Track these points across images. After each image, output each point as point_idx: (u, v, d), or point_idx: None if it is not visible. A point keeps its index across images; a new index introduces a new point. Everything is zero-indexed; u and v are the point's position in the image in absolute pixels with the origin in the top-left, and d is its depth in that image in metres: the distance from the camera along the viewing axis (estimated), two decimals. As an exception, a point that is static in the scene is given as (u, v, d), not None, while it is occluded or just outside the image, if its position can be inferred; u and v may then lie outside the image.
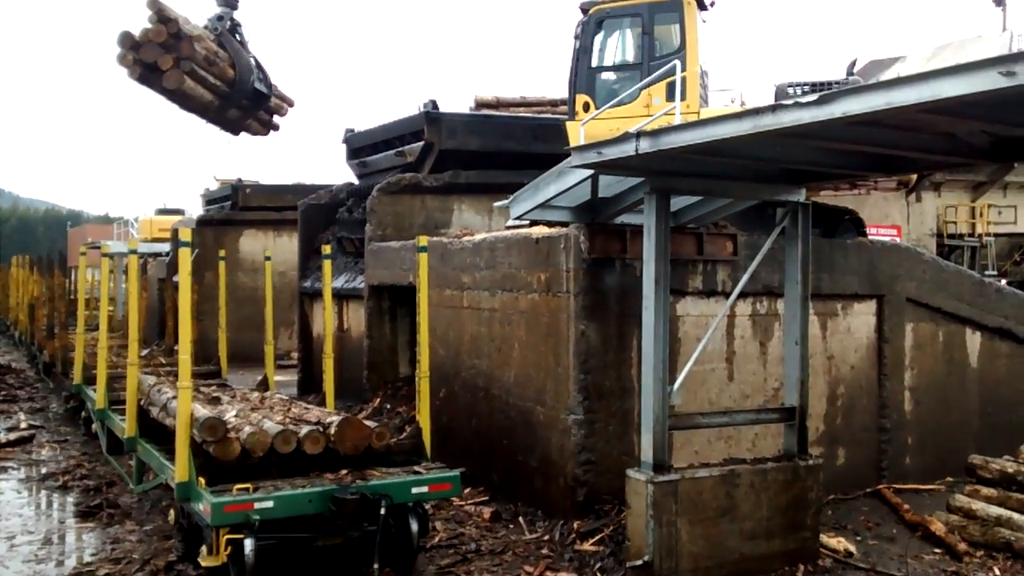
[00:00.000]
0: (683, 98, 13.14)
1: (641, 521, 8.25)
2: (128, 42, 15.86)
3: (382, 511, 7.88)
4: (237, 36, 17.79)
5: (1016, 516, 9.60)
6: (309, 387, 17.87)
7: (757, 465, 9.00)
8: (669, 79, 13.28)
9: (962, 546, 9.40)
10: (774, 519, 8.86)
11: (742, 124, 6.33)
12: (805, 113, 5.85)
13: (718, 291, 10.44)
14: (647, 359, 8.40)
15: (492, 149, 16.85)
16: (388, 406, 13.82)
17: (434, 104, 16.97)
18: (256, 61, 18.16)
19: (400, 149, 17.20)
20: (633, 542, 8.35)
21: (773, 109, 6.12)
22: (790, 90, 13.53)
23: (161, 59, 15.95)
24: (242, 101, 18.10)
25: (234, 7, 17.68)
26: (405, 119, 17.64)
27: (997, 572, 8.89)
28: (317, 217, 19.34)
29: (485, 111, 21.03)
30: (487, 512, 10.26)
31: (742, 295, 10.05)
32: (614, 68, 14.71)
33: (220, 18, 17.45)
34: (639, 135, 7.33)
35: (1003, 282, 19.21)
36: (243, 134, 19.26)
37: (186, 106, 17.38)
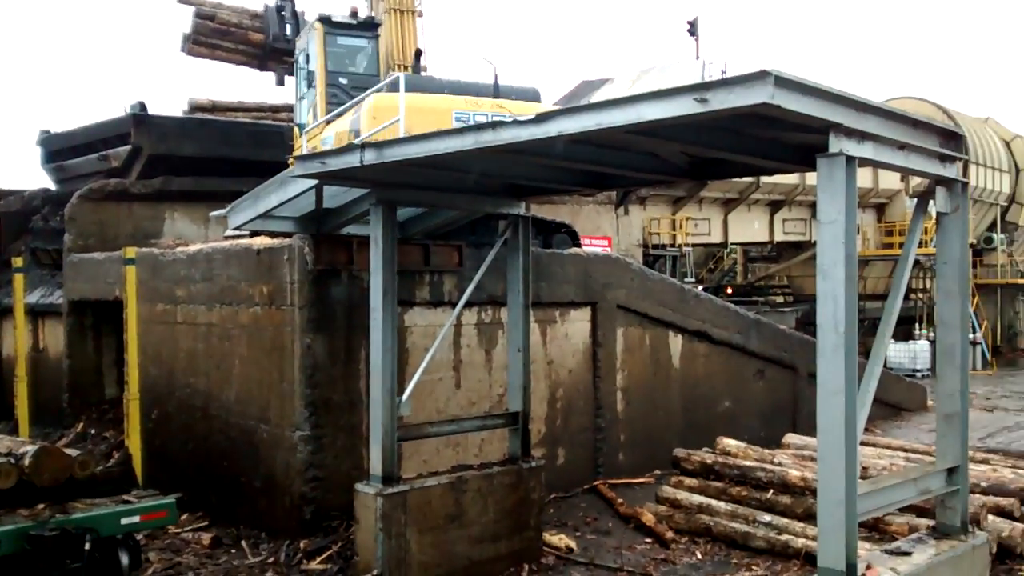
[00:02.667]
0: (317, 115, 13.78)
1: (370, 535, 8.15)
2: None
3: (87, 546, 7.22)
4: None
5: (715, 503, 10.51)
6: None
7: (484, 470, 9.21)
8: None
9: (669, 534, 10.13)
10: (500, 522, 9.09)
11: (465, 139, 6.44)
12: (524, 131, 6.04)
13: (445, 301, 10.58)
14: (375, 371, 8.33)
15: (208, 155, 16.05)
16: (93, 431, 12.70)
17: (142, 106, 15.92)
18: None
19: (104, 153, 15.99)
20: (362, 557, 8.23)
21: (493, 126, 6.27)
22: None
23: None
24: None
25: None
26: (110, 121, 16.42)
27: (699, 555, 9.65)
28: (7, 226, 17.46)
29: (200, 115, 20.01)
30: (207, 538, 9.69)
31: (468, 304, 10.25)
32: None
33: None
34: (364, 146, 7.26)
35: (700, 288, 21.05)
36: None
37: None
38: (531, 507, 9.40)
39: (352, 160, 7.32)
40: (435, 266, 10.46)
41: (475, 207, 9.37)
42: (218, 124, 18.00)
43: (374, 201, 8.28)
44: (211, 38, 21.44)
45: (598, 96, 30.48)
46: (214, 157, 16.06)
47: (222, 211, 9.58)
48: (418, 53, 16.52)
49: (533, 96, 13.50)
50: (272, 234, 9.94)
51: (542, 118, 5.99)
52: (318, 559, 8.91)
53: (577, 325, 12.36)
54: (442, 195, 8.78)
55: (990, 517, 9.30)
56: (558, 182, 8.49)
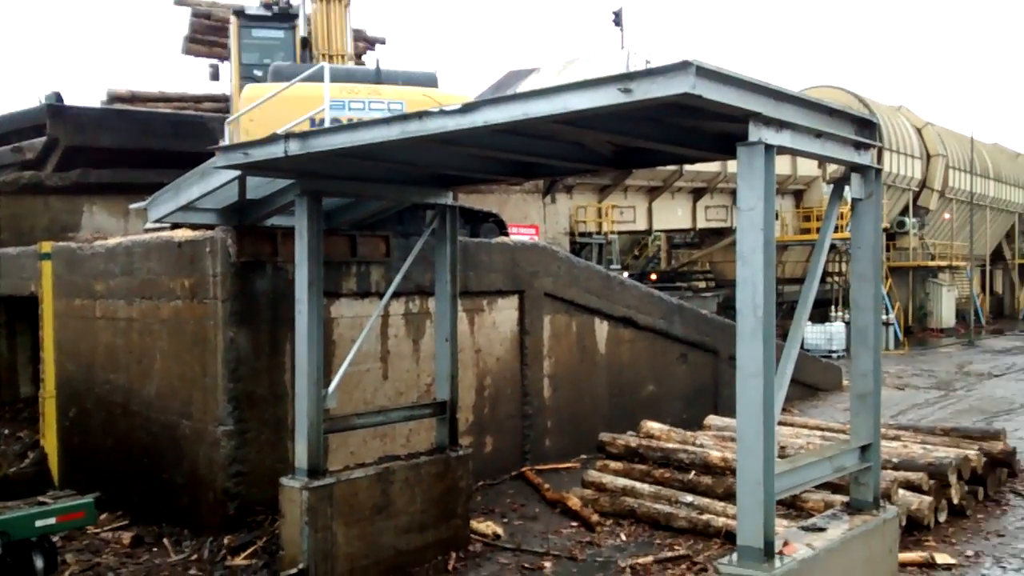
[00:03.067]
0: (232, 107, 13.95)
1: (296, 528, 8.09)
2: None
3: (-1, 550, 7.04)
4: None
5: (639, 485, 10.70)
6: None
7: (411, 460, 9.21)
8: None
9: (595, 517, 10.28)
10: (428, 511, 9.12)
11: (391, 130, 6.41)
12: (450, 121, 6.04)
13: (372, 292, 10.52)
14: (301, 363, 8.25)
15: (128, 146, 15.65)
16: (7, 431, 12.30)
17: (58, 96, 15.46)
18: None
19: (18, 145, 15.46)
20: (288, 551, 8.17)
21: (420, 116, 6.25)
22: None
23: None
24: None
25: None
26: (23, 111, 15.90)
27: (624, 537, 9.82)
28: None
29: (119, 105, 19.49)
30: (127, 537, 9.49)
31: (395, 295, 10.21)
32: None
33: None
34: (288, 137, 7.16)
35: (625, 275, 21.34)
36: None
37: None
38: (459, 495, 9.45)
39: (276, 151, 7.23)
40: (362, 257, 10.40)
41: (402, 197, 9.33)
42: (138, 115, 17.55)
43: (299, 192, 8.18)
44: (208, 35, 21.31)
45: (525, 86, 30.56)
46: (134, 149, 15.67)
47: (142, 203, 9.36)
48: (304, 41, 16.17)
49: (428, 81, 13.44)
50: (194, 226, 9.74)
51: (469, 108, 6.00)
52: (243, 555, 8.81)
53: (505, 313, 12.43)
54: (368, 185, 8.72)
55: (900, 491, 9.68)
56: (485, 171, 8.51)
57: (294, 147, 7.10)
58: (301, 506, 8.06)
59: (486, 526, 9.91)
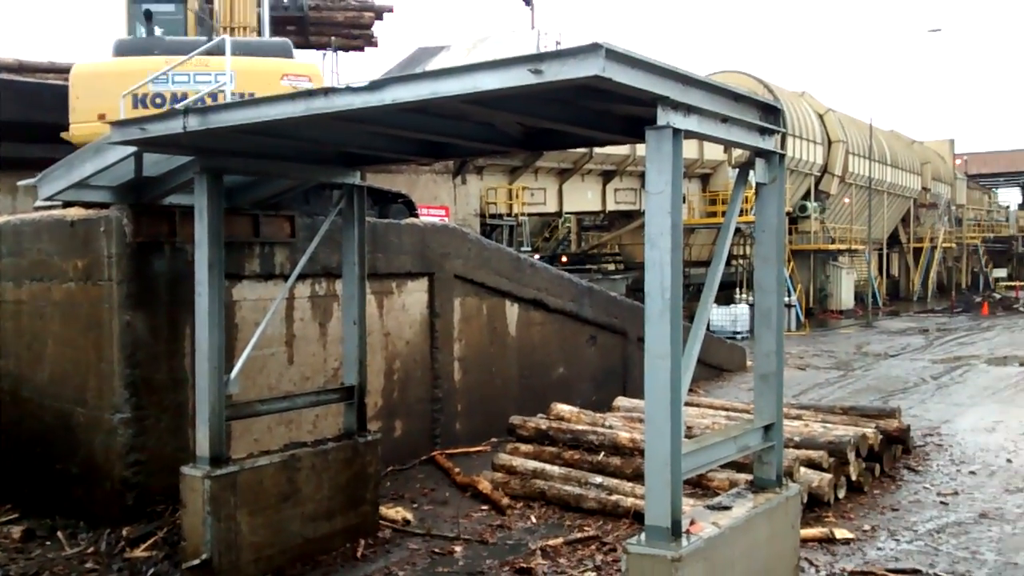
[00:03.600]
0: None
1: (198, 518, 7.85)
2: None
3: None
4: None
5: (548, 467, 10.74)
6: None
7: (318, 447, 9.02)
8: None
9: (505, 500, 10.28)
10: (335, 498, 8.96)
11: (296, 106, 6.20)
12: (357, 98, 5.88)
13: (276, 274, 10.25)
14: (202, 348, 7.98)
15: (15, 119, 14.88)
16: None
17: (-65, 65, 14.59)
18: None
19: None
20: (190, 541, 7.92)
21: (326, 92, 6.07)
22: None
23: None
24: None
25: None
26: (-101, 83, 14.93)
27: (534, 519, 9.85)
28: None
29: (6, 76, 18.52)
30: (17, 531, 9.05)
31: (301, 277, 9.98)
32: None
33: None
34: (187, 111, 6.87)
35: (536, 257, 21.39)
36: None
37: None
38: (367, 481, 9.31)
39: (174, 126, 6.93)
40: (265, 237, 10.11)
41: (308, 176, 9.09)
42: (25, 86, 16.71)
43: (198, 169, 7.88)
44: None
45: (435, 64, 30.28)
46: (21, 122, 14.91)
47: (31, 180, 8.88)
48: (148, 13, 15.57)
49: (280, 50, 13.21)
50: (88, 205, 9.29)
51: (376, 85, 5.84)
52: (142, 546, 8.51)
53: (414, 296, 12.30)
54: (272, 163, 8.46)
55: (802, 469, 9.95)
56: (394, 151, 8.34)
57: (193, 122, 6.81)
58: (203, 495, 7.81)
59: (396, 512, 9.81)
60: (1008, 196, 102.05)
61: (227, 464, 8.03)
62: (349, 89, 5.94)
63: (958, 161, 68.12)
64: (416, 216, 13.81)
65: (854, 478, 10.53)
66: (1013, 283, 61.19)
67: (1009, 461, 12.15)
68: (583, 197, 31.53)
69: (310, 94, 6.23)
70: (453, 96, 5.49)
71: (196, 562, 7.75)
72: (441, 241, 12.62)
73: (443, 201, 24.81)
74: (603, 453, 10.65)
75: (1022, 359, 24.15)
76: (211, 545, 7.78)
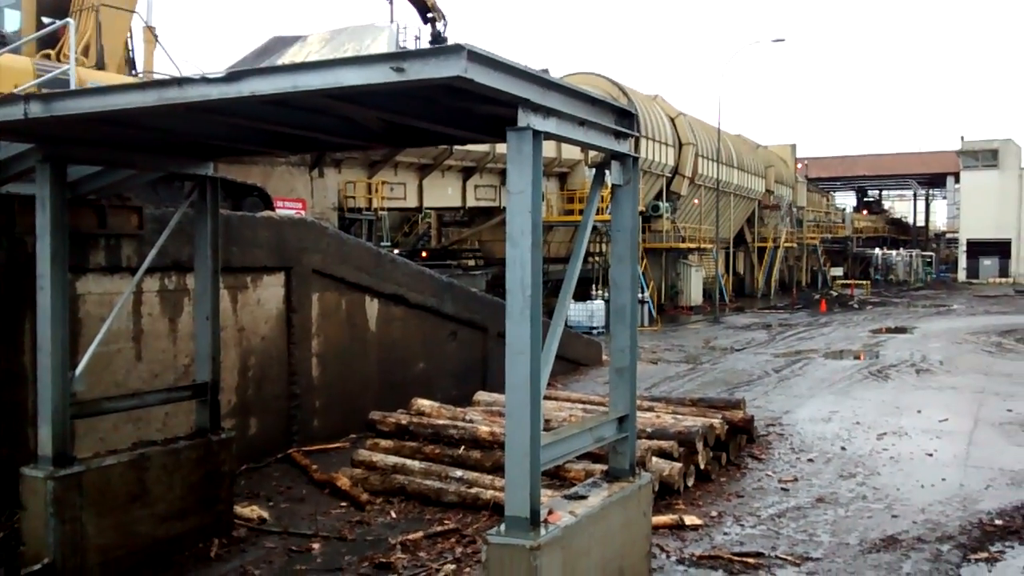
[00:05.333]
0: None
1: (40, 521, 7.49)
2: None
3: None
4: None
5: (409, 462, 10.76)
6: None
7: (169, 445, 8.75)
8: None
9: (365, 496, 10.25)
10: (188, 498, 8.71)
11: (147, 95, 6.00)
12: (213, 89, 5.74)
13: (124, 267, 9.85)
14: (44, 343, 7.60)
15: None
16: None
17: None
18: None
19: None
20: (31, 545, 7.55)
21: (179, 83, 5.90)
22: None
23: None
24: None
25: None
26: None
27: (394, 514, 9.85)
28: None
29: None
30: None
31: (150, 270, 9.62)
32: None
33: None
34: (28, 98, 6.53)
35: (396, 252, 21.29)
36: None
37: None
38: (221, 480, 9.09)
39: (14, 112, 6.56)
40: (112, 229, 9.69)
41: (159, 167, 8.76)
42: None
43: (40, 158, 7.50)
44: None
45: (290, 54, 29.67)
46: None
47: None
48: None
49: None
50: (-88, 191, 8.69)
51: (233, 77, 5.72)
52: (-23, 553, 8.03)
53: (270, 291, 12.06)
54: (120, 153, 8.11)
55: (654, 459, 10.35)
56: (250, 143, 8.16)
57: (35, 109, 6.47)
58: (46, 497, 7.45)
59: (251, 510, 9.61)
60: (844, 199, 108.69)
61: (72, 464, 7.69)
62: (204, 80, 5.79)
63: (799, 165, 71.90)
64: (272, 209, 13.56)
65: (703, 467, 11.02)
66: (849, 281, 65.07)
67: (843, 449, 12.97)
68: (443, 193, 31.55)
69: (162, 84, 6.04)
70: (314, 90, 5.44)
71: (38, 567, 7.39)
72: (298, 235, 12.41)
73: (300, 194, 24.32)
74: (463, 447, 10.76)
75: (856, 353, 25.80)
76: (54, 548, 7.43)
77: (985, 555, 8.53)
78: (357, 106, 6.30)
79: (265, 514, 9.65)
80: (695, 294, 44.63)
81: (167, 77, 6.09)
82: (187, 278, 10.49)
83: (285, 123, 7.04)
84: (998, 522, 9.45)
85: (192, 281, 9.76)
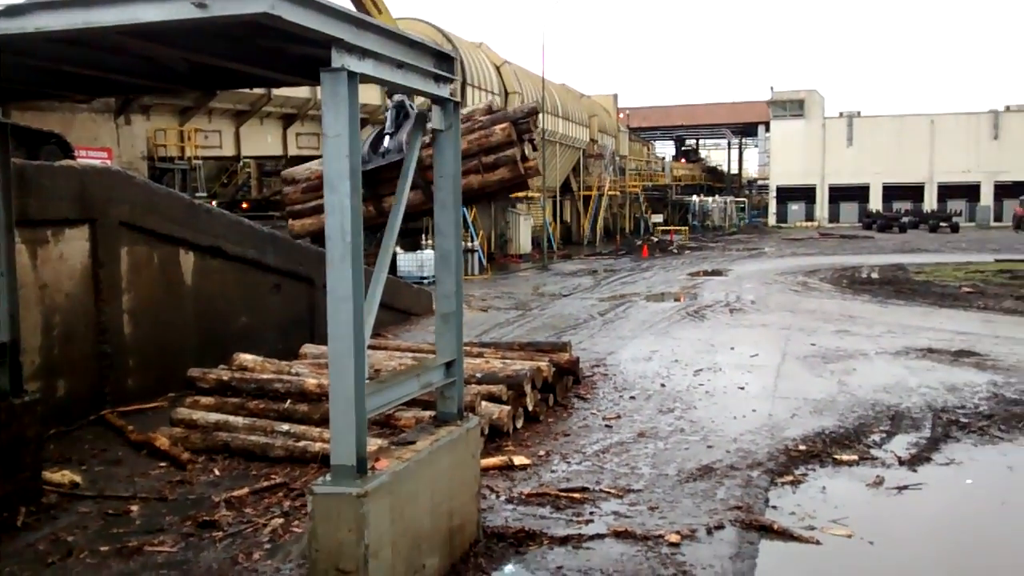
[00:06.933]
0: None
1: None
2: None
3: None
4: None
5: (232, 419, 10.45)
6: None
7: (-34, 413, 8.11)
8: None
9: (185, 455, 9.88)
10: (-10, 468, 8.13)
11: (-86, 27, 5.41)
12: (-8, 22, 5.25)
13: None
14: None
15: None
16: None
17: None
18: None
19: None
20: None
21: (-47, 13, 5.35)
22: None
23: None
24: None
25: None
26: None
27: (217, 472, 9.56)
28: None
29: None
30: None
31: (-66, 225, 8.78)
32: None
33: None
34: None
35: (213, 203, 20.44)
36: None
37: None
38: (26, 446, 8.51)
39: None
40: None
41: (-64, 110, 8.00)
42: None
43: None
44: None
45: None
46: None
47: None
48: None
49: None
50: None
51: (15, 10, 5.24)
52: None
53: (74, 245, 11.31)
54: None
55: (484, 403, 10.50)
56: (42, 85, 7.54)
57: None
58: None
59: (61, 475, 9.08)
60: (664, 148, 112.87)
61: None
62: (-17, 12, 5.29)
63: (621, 115, 73.99)
64: (73, 158, 12.68)
65: (531, 408, 11.28)
66: (668, 228, 67.86)
67: (663, 386, 13.60)
68: (263, 141, 30.44)
69: (-65, 15, 5.46)
70: (109, 27, 5.08)
71: None
72: (103, 185, 11.66)
73: (105, 143, 22.84)
74: (290, 401, 10.55)
75: (675, 295, 27.03)
76: None
77: (790, 478, 9.19)
78: (160, 45, 5.94)
79: (78, 478, 9.15)
80: (524, 243, 45.37)
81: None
82: (-22, 233, 9.66)
83: (81, 63, 6.56)
84: (802, 447, 10.19)
85: (-17, 236, 9.00)
